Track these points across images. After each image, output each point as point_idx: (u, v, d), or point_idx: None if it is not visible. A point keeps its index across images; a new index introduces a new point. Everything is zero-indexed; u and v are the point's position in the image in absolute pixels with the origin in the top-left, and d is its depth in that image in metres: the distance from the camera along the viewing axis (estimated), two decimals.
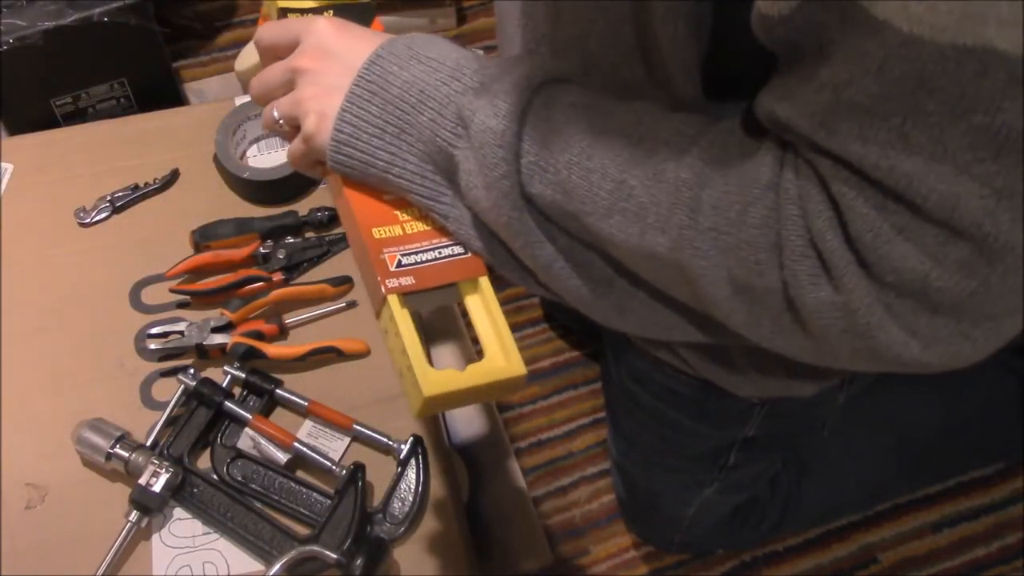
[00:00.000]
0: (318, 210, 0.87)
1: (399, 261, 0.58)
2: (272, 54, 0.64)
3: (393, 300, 0.56)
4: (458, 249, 0.60)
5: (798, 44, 0.44)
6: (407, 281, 0.57)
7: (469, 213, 0.58)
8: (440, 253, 0.59)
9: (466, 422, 1.24)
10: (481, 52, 0.60)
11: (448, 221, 0.59)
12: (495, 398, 0.59)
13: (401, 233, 0.59)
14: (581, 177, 0.52)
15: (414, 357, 0.55)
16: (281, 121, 0.62)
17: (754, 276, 0.48)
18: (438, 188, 0.58)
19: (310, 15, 0.65)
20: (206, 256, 0.84)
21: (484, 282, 0.60)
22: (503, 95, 0.53)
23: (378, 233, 0.59)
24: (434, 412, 0.56)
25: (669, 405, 0.87)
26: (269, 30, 0.64)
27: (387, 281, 0.57)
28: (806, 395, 0.75)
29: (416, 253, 0.59)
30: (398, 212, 0.60)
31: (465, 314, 0.59)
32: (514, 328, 1.35)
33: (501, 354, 0.58)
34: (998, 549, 1.22)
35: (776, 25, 0.43)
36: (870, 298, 0.44)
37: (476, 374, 0.56)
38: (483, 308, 0.60)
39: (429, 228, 0.60)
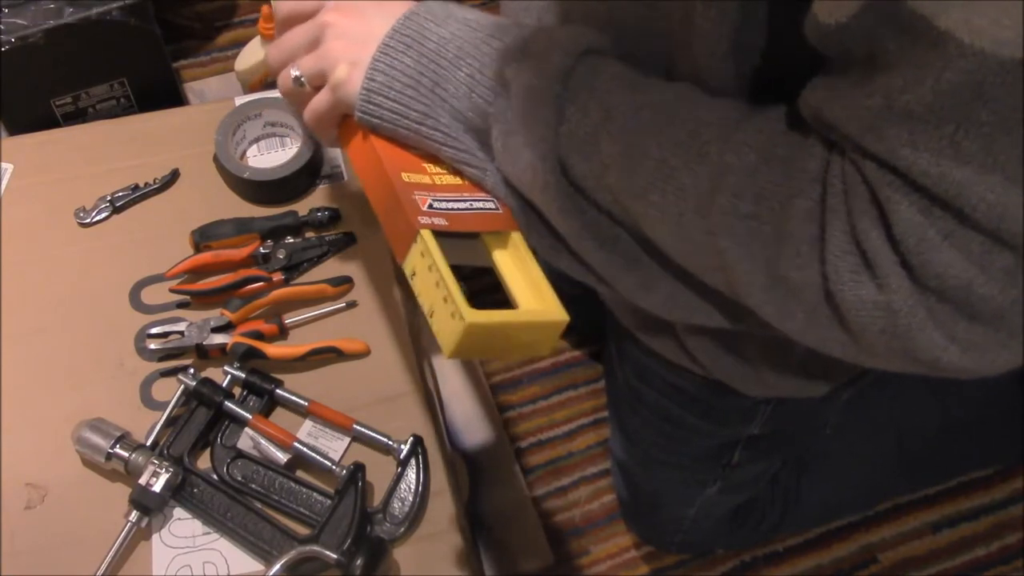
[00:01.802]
0: (318, 210, 0.87)
1: (430, 204, 0.56)
2: (291, 24, 0.62)
3: (426, 233, 0.54)
4: (490, 204, 0.57)
5: (850, 50, 0.43)
6: (440, 221, 0.55)
7: (501, 175, 0.57)
8: (472, 205, 0.57)
9: (466, 422, 1.24)
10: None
11: (486, 175, 0.57)
12: (532, 350, 0.57)
13: (431, 183, 0.57)
14: (621, 152, 0.51)
15: (451, 287, 0.52)
16: (303, 79, 0.60)
17: (793, 268, 0.47)
18: (470, 146, 0.57)
19: None
20: (206, 256, 0.84)
21: (517, 236, 0.58)
22: (547, 57, 0.52)
23: (407, 177, 0.56)
24: (468, 354, 0.54)
25: (674, 402, 0.86)
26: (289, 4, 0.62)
27: (419, 218, 0.54)
28: (817, 395, 0.74)
29: (447, 201, 0.56)
30: (427, 164, 0.58)
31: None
32: None
33: (539, 302, 0.56)
34: (998, 549, 1.22)
35: (831, 32, 0.43)
36: (913, 300, 0.44)
37: (518, 313, 0.54)
38: (516, 262, 0.57)
39: (460, 182, 0.58)
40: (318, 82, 0.61)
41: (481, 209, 0.57)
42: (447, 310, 0.52)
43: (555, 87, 0.52)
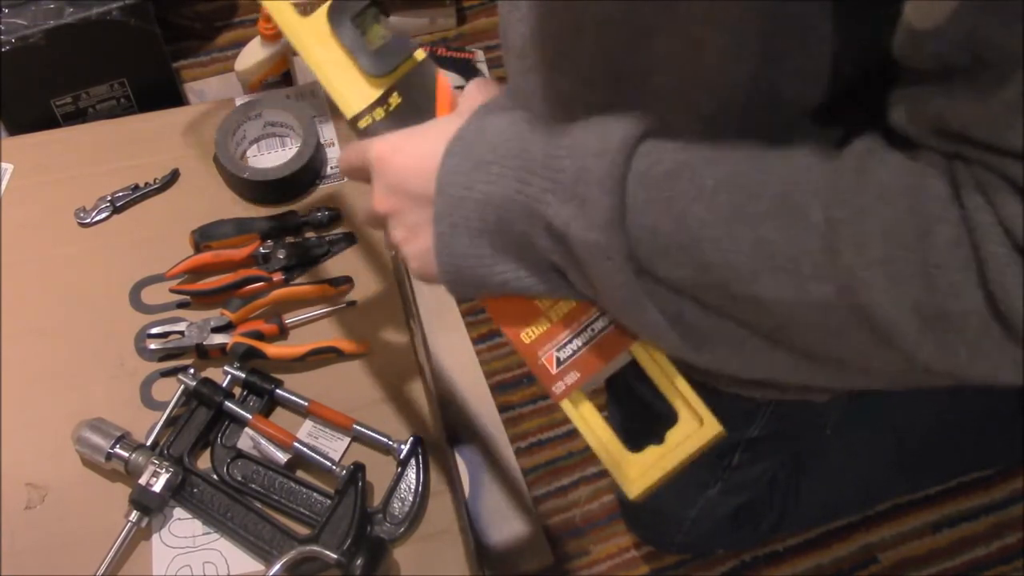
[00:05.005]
0: (318, 210, 0.87)
1: (557, 359, 0.58)
2: (358, 178, 0.63)
3: (567, 405, 0.57)
4: (608, 320, 0.58)
5: (951, 54, 0.41)
6: (572, 379, 0.58)
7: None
8: (593, 331, 0.58)
9: (466, 422, 1.24)
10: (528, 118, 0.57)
11: (584, 299, 0.57)
12: (692, 460, 0.59)
13: (549, 325, 0.58)
14: (710, 249, 0.48)
15: (608, 460, 0.56)
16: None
17: (950, 300, 0.43)
18: (561, 283, 0.56)
19: (367, 140, 0.61)
20: (206, 256, 0.84)
21: (640, 348, 0.59)
22: (590, 200, 0.49)
23: (527, 337, 0.59)
24: (649, 493, 0.59)
25: None
26: (344, 162, 0.63)
27: (554, 388, 0.58)
28: (824, 400, 0.74)
29: (570, 343, 0.58)
30: (538, 303, 0.59)
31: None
32: None
33: (690, 415, 0.56)
34: (998, 549, 1.22)
35: (927, 37, 0.41)
36: None
37: (681, 446, 0.56)
38: (656, 370, 0.58)
39: (573, 306, 0.58)
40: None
41: (602, 331, 0.58)
42: (614, 466, 0.57)
43: (613, 232, 0.49)
